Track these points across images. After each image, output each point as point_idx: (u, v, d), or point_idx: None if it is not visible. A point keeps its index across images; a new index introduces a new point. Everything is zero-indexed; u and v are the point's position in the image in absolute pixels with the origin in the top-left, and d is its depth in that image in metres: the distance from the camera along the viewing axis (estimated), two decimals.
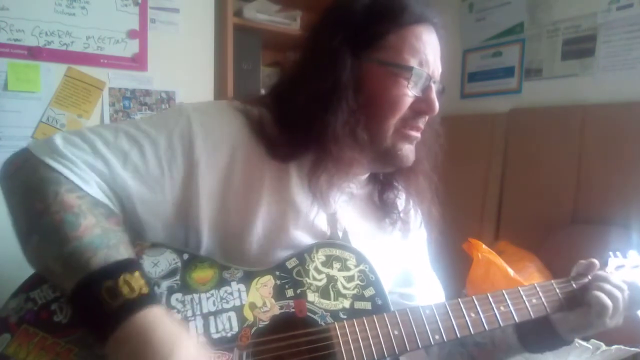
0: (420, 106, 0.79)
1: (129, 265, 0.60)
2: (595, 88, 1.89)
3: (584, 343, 1.13)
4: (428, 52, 0.78)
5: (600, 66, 1.87)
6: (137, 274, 0.60)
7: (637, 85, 1.76)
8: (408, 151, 0.81)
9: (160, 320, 0.58)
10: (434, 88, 0.80)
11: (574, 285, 0.89)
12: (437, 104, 0.79)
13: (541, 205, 1.98)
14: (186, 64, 1.87)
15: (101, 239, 0.62)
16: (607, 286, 0.86)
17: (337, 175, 0.78)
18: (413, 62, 0.77)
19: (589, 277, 0.90)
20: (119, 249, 0.62)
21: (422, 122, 0.81)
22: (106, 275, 0.58)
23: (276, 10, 2.14)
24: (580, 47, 1.94)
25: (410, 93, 0.77)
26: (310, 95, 0.76)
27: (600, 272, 0.91)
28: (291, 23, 2.16)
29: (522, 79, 2.14)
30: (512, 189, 2.12)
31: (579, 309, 0.86)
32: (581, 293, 0.87)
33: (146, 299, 0.59)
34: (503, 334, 0.90)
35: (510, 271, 1.54)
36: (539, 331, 0.88)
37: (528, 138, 2.07)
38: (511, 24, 2.18)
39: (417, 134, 0.81)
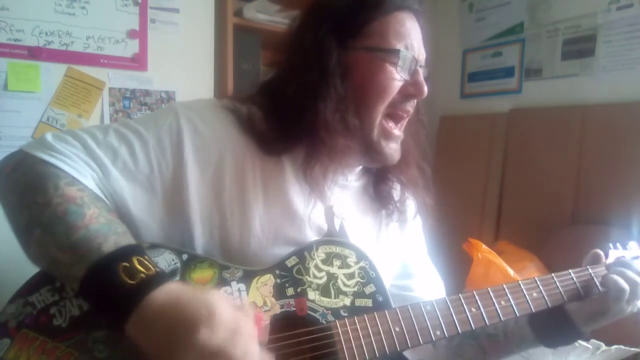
0: (409, 89, 0.80)
1: (138, 250, 0.61)
2: (595, 88, 1.89)
3: (584, 343, 1.13)
4: (412, 37, 0.80)
5: (600, 66, 1.87)
6: (146, 257, 0.61)
7: (637, 85, 1.76)
8: (392, 150, 0.82)
9: (183, 290, 0.58)
10: (421, 72, 0.81)
11: (591, 272, 0.88)
12: (425, 87, 0.81)
13: (541, 205, 1.98)
14: (186, 64, 1.87)
15: (108, 226, 0.63)
16: (627, 271, 0.85)
17: (331, 165, 0.78)
18: (399, 46, 0.78)
19: (605, 265, 0.90)
20: (127, 236, 0.63)
21: (410, 106, 0.83)
22: (122, 257, 0.59)
23: (276, 10, 2.13)
24: (580, 47, 1.94)
25: (398, 77, 0.79)
26: (300, 86, 0.76)
27: (621, 259, 0.91)
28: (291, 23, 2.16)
29: (522, 79, 2.14)
30: (512, 189, 2.12)
31: (594, 296, 0.86)
32: (596, 281, 0.87)
33: (162, 276, 0.59)
34: (516, 326, 0.89)
35: (510, 271, 1.54)
36: (555, 323, 0.87)
37: (528, 138, 2.07)
38: (511, 24, 2.18)
39: (399, 133, 0.83)
